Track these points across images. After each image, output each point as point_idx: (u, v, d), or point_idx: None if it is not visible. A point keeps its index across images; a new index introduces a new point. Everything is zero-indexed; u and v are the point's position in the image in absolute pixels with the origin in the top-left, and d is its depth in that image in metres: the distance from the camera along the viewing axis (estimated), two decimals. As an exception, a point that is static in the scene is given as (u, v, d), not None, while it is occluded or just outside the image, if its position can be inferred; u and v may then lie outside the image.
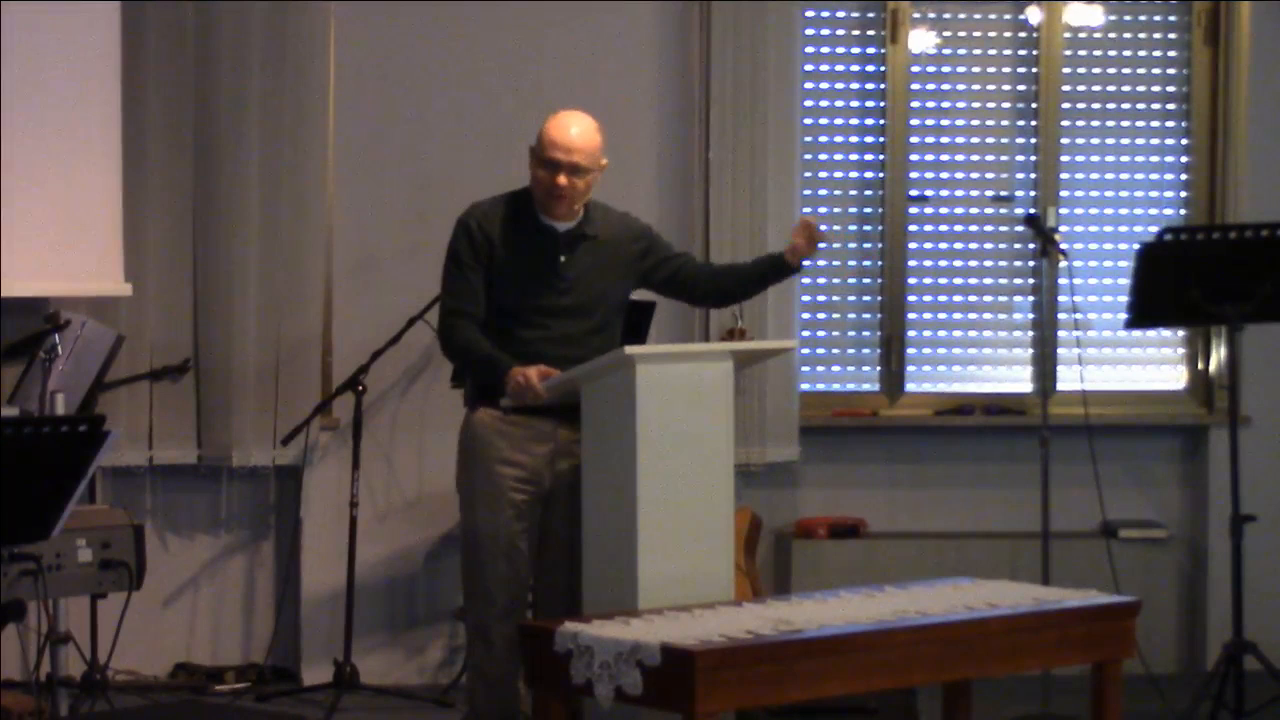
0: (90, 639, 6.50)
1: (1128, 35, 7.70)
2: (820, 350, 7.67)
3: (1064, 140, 7.67)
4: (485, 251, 5.43)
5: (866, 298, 7.66)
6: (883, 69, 7.60)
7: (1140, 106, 7.72)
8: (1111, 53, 7.70)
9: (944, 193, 7.67)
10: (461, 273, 5.46)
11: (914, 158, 7.64)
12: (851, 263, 7.65)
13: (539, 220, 5.49)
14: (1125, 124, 7.71)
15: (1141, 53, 7.71)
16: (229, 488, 7.33)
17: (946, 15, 7.64)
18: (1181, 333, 7.70)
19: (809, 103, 7.54)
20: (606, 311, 5.56)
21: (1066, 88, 7.67)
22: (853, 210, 7.65)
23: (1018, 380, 7.68)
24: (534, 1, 7.35)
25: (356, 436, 7.00)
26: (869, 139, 7.64)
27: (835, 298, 7.66)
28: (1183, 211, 7.72)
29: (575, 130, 5.44)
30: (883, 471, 7.61)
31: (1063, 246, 6.75)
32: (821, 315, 7.66)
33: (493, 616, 5.42)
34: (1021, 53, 7.67)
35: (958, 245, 7.69)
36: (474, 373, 5.50)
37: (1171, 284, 6.20)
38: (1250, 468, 6.63)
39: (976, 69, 7.68)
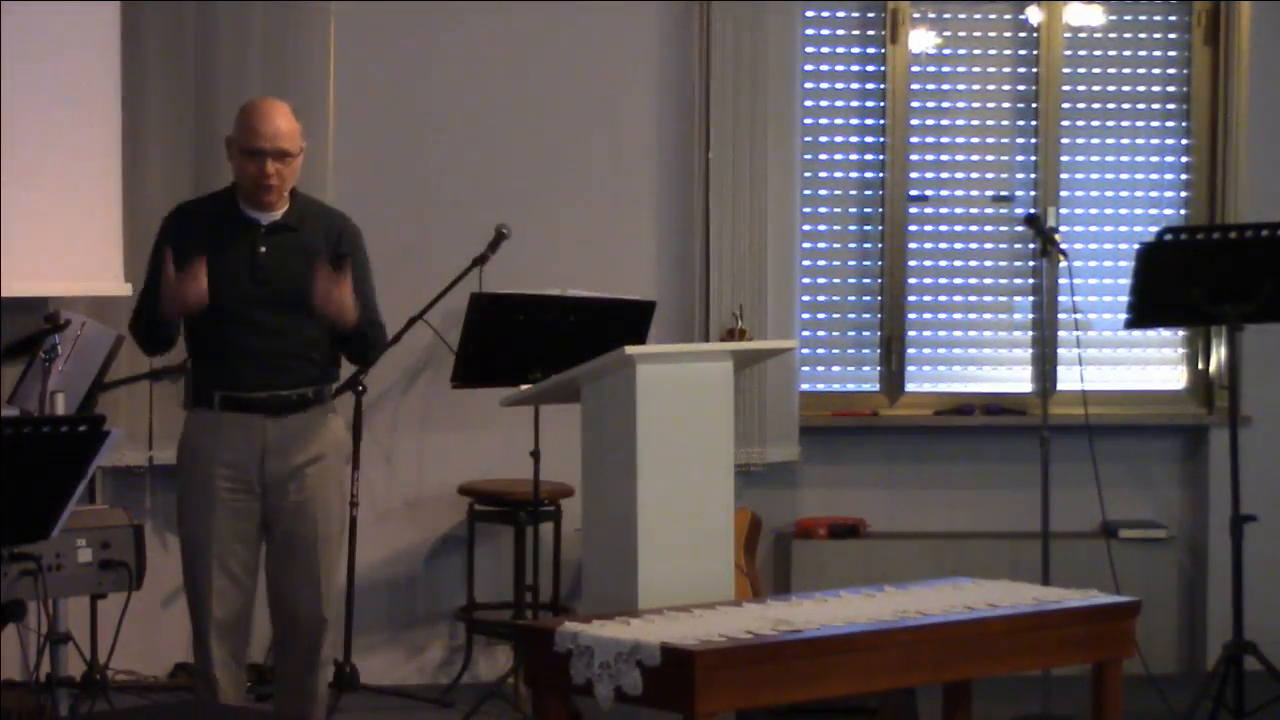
0: (90, 639, 6.49)
1: (1128, 35, 7.70)
2: (820, 350, 7.67)
3: (1064, 140, 7.67)
4: (179, 251, 5.30)
5: (866, 298, 7.66)
6: (883, 69, 7.60)
7: (1140, 106, 7.72)
8: (1111, 53, 7.70)
9: (944, 193, 7.68)
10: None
11: (914, 158, 7.64)
12: (851, 263, 7.66)
13: (243, 214, 5.45)
14: (1125, 124, 7.71)
15: (1141, 53, 7.71)
16: (229, 488, 7.32)
17: (946, 15, 7.64)
18: (1181, 333, 7.70)
19: (809, 103, 7.54)
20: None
21: (1066, 88, 7.67)
22: (853, 210, 7.65)
23: (1018, 380, 7.68)
24: (534, 1, 7.35)
25: (356, 436, 6.99)
26: (869, 139, 7.64)
27: (835, 298, 7.66)
28: (1183, 211, 7.72)
29: (278, 116, 5.41)
30: (883, 471, 7.61)
31: (1063, 246, 6.75)
32: (821, 315, 7.66)
33: (209, 631, 5.37)
34: (1021, 53, 7.67)
35: (958, 245, 7.69)
36: (147, 323, 5.40)
37: (1171, 284, 6.20)
38: (1250, 468, 6.63)
39: (976, 69, 7.68)
